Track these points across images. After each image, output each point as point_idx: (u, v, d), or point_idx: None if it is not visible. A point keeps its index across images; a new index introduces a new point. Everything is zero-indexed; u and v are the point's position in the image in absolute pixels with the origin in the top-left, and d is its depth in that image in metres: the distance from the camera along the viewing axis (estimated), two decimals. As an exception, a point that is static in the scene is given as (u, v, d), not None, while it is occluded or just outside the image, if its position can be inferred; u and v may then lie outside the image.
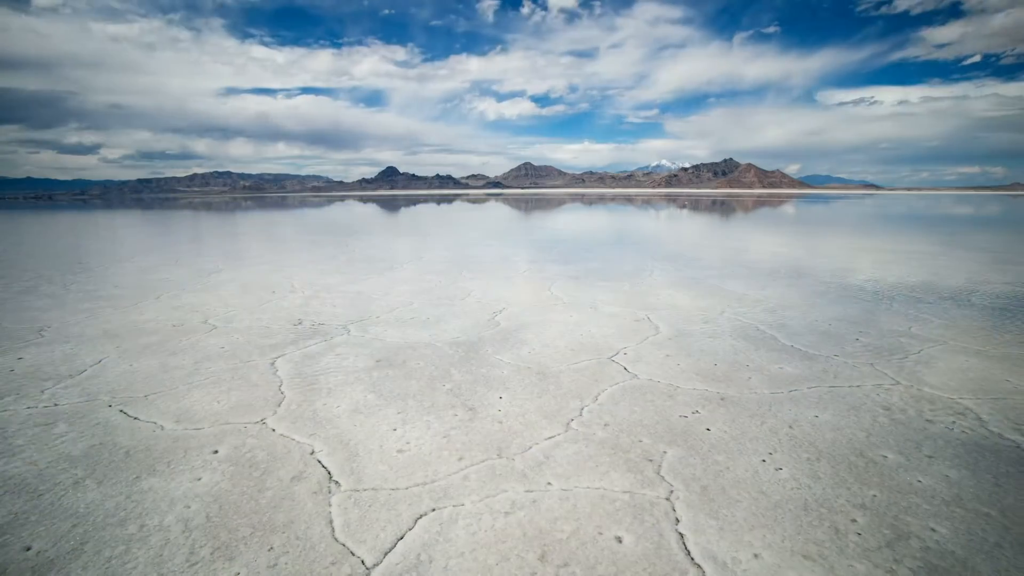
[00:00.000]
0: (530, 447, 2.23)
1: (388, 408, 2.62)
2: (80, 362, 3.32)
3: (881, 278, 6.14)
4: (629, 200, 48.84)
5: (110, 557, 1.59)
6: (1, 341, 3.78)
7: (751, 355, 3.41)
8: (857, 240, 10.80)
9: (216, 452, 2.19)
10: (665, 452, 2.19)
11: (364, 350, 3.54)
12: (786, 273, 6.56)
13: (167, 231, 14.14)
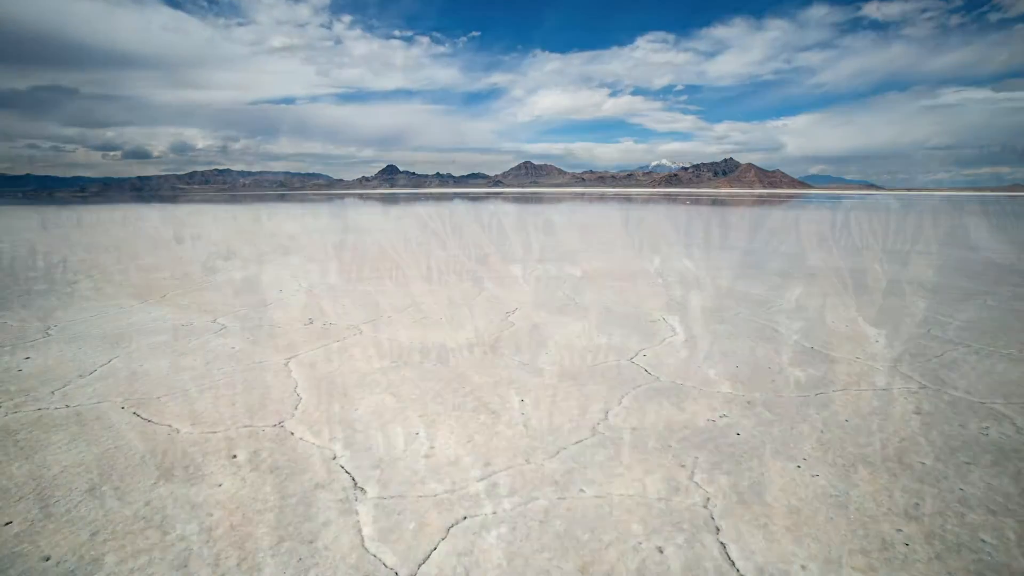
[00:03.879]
0: (558, 452, 2.17)
1: (408, 411, 2.56)
2: (89, 362, 3.25)
3: (892, 278, 6.09)
4: (629, 199, 48.75)
5: (132, 568, 1.53)
6: (7, 340, 3.71)
7: (772, 357, 3.35)
8: (855, 239, 10.76)
9: (235, 457, 2.13)
10: (696, 457, 2.14)
11: (378, 351, 3.47)
12: (797, 273, 6.50)
13: (167, 229, 14.03)
